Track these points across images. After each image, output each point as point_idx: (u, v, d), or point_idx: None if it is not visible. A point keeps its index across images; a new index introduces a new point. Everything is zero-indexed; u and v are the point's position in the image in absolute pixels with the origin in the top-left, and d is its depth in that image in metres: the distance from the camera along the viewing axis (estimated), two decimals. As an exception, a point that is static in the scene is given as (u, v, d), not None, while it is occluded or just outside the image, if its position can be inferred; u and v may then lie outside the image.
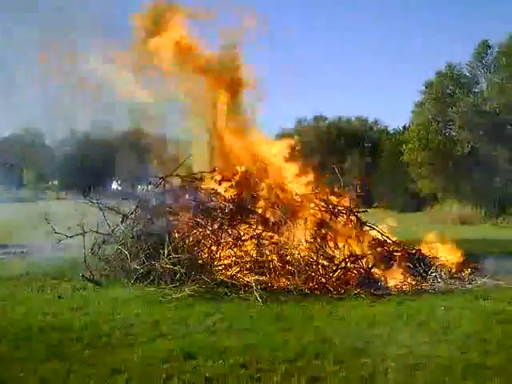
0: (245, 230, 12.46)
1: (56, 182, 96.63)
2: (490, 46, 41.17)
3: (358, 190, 14.41)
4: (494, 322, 8.91)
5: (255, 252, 11.82)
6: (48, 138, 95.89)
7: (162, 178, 13.91)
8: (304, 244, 12.13)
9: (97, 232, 13.13)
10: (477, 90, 42.62)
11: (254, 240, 12.09)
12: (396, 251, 13.17)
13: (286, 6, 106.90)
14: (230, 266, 11.63)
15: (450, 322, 8.84)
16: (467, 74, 42.54)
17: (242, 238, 12.17)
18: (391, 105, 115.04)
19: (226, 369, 6.64)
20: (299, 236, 12.28)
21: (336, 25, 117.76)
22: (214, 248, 11.93)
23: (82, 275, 11.71)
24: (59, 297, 10.38)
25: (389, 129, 68.10)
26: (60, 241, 13.24)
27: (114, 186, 58.88)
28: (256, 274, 11.26)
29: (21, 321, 8.63)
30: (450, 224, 34.06)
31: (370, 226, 13.69)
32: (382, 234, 13.63)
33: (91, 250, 12.97)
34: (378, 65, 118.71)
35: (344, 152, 68.47)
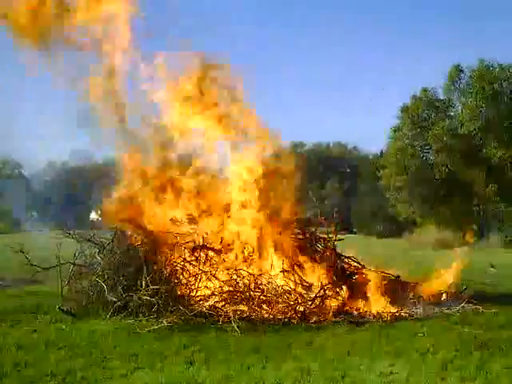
0: (222, 260, 12.41)
1: (35, 213, 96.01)
2: (462, 71, 41.82)
3: (336, 216, 14.33)
4: (472, 347, 8.92)
5: (233, 282, 11.76)
6: (26, 169, 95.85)
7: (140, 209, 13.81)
8: (281, 273, 12.10)
9: (74, 264, 13.01)
10: (452, 114, 43.17)
11: (231, 270, 12.04)
12: (374, 278, 13.16)
13: (261, 31, 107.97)
14: (208, 296, 11.55)
15: (429, 349, 8.84)
16: (442, 97, 43.10)
17: (220, 269, 12.12)
18: (370, 129, 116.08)
19: (204, 401, 6.57)
20: (276, 265, 12.27)
21: (314, 51, 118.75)
22: (191, 279, 11.86)
23: (60, 307, 11.58)
24: (35, 330, 10.22)
25: (368, 153, 68.59)
26: (36, 273, 13.10)
27: (93, 215, 58.49)
28: (234, 304, 11.20)
29: (-6, 357, 8.49)
30: (429, 248, 34.17)
31: (346, 257, 13.66)
32: (358, 263, 13.63)
33: (68, 282, 12.84)
34: (355, 89, 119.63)
35: (323, 177, 68.90)
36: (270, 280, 11.83)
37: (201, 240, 12.52)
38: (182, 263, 12.08)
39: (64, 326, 10.57)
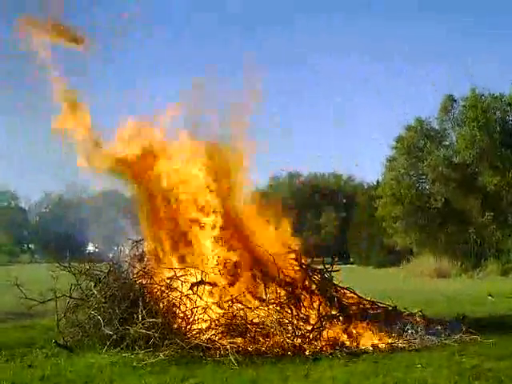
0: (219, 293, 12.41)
1: (32, 246, 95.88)
2: (455, 100, 42.21)
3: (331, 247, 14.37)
4: (470, 378, 8.87)
5: (229, 315, 11.73)
6: (23, 201, 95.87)
7: (136, 241, 13.84)
8: (278, 305, 12.08)
9: (69, 297, 12.95)
10: (447, 143, 43.45)
11: (229, 303, 12.02)
12: (371, 309, 13.15)
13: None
14: (205, 329, 11.50)
15: (427, 380, 8.79)
16: (436, 127, 43.41)
17: (217, 302, 12.11)
18: (366, 159, 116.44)
19: None
20: (272, 297, 12.25)
21: (308, 83, 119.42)
22: (188, 312, 11.81)
23: (55, 341, 11.50)
24: (30, 365, 10.12)
25: (363, 183, 68.77)
26: (32, 306, 13.03)
27: (91, 247, 58.26)
28: (231, 337, 11.15)
29: (-13, 393, 8.42)
30: (427, 277, 34.16)
31: (342, 288, 13.65)
32: (354, 293, 13.61)
33: (64, 315, 12.77)
34: (351, 118, 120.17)
35: (319, 208, 68.99)
36: (266, 312, 11.79)
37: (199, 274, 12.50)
38: (179, 298, 12.05)
39: (60, 361, 10.49)
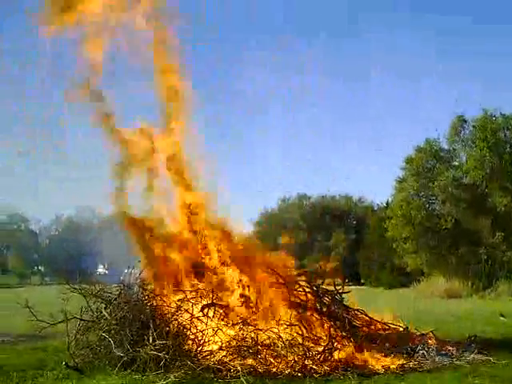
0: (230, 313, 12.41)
1: (42, 268, 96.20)
2: (465, 121, 42.25)
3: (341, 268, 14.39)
4: (483, 399, 8.83)
5: (240, 337, 11.72)
6: (33, 224, 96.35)
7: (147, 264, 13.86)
8: (288, 327, 12.07)
9: (80, 319, 12.97)
10: (456, 164, 43.40)
11: (239, 325, 12.03)
12: (382, 330, 13.10)
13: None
14: (216, 351, 11.49)
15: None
16: (446, 148, 43.40)
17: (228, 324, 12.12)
18: (376, 180, 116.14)
19: None
20: (284, 318, 12.24)
21: (315, 107, 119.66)
22: (199, 334, 11.81)
23: (66, 363, 11.49)
24: (41, 388, 10.16)
25: (373, 204, 68.54)
26: (43, 329, 13.04)
27: (101, 269, 58.48)
28: (242, 359, 11.13)
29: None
30: (438, 298, 33.97)
31: (353, 309, 13.62)
32: (366, 315, 13.56)
33: (75, 337, 12.77)
34: (360, 140, 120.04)
35: (329, 229, 68.85)
36: (277, 334, 11.78)
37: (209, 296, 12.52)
38: (190, 319, 12.06)
39: (70, 383, 10.49)
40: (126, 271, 14.65)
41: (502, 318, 20.14)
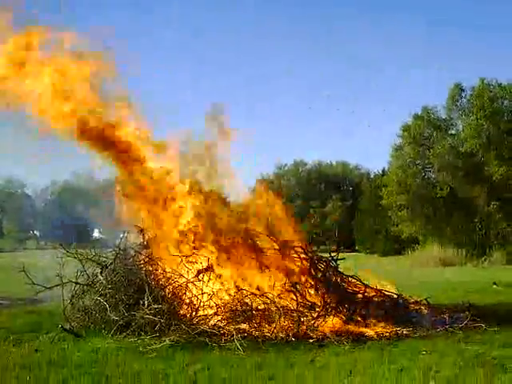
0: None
1: (37, 232, 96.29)
2: (463, 89, 42.10)
3: (337, 235, 14.40)
4: (475, 365, 8.89)
5: (235, 302, 11.78)
6: (29, 188, 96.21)
7: (142, 229, 13.83)
8: (283, 292, 12.13)
9: (76, 283, 13.00)
10: (453, 132, 43.37)
11: (234, 288, 12.08)
12: (376, 296, 13.16)
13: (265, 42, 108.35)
14: (210, 315, 11.56)
15: (432, 367, 8.81)
16: (443, 116, 43.30)
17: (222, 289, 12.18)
18: (373, 148, 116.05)
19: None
20: (278, 284, 12.29)
21: (314, 71, 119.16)
22: (194, 299, 11.87)
23: (62, 326, 11.54)
24: (36, 350, 10.19)
25: (369, 172, 68.57)
26: (38, 292, 13.08)
27: (96, 234, 58.44)
28: (236, 323, 11.21)
29: (-5, 377, 8.47)
30: (432, 266, 34.16)
31: (348, 276, 13.66)
32: (360, 281, 13.61)
33: (70, 301, 12.82)
34: (357, 107, 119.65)
35: (325, 196, 68.92)
36: (271, 299, 11.85)
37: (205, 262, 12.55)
38: (185, 284, 12.10)
39: (66, 346, 10.55)
40: (121, 236, 14.64)
41: (494, 286, 20.30)
